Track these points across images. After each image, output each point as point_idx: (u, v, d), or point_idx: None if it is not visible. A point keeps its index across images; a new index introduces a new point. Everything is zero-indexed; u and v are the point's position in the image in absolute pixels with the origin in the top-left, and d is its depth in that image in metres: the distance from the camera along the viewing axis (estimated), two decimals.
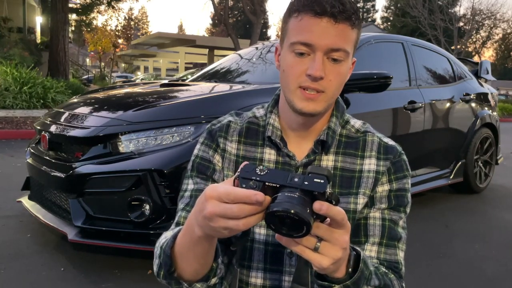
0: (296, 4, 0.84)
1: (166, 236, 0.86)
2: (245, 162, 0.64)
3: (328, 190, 0.59)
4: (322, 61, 0.82)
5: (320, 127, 0.92)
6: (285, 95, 0.89)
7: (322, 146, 0.91)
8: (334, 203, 0.60)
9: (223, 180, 0.94)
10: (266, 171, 0.61)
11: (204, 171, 0.95)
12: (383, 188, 0.92)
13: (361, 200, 0.90)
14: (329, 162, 0.92)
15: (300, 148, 0.93)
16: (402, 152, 0.95)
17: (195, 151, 0.98)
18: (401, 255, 0.91)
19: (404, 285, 0.91)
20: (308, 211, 0.57)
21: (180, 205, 0.96)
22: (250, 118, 0.98)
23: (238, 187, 0.61)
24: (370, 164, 0.92)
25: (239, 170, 0.63)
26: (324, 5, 0.80)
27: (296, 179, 0.59)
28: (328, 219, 0.62)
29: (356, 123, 0.97)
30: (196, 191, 0.94)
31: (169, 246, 0.77)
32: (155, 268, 0.84)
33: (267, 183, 0.60)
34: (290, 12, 0.85)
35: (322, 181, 0.59)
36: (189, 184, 0.96)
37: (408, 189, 0.94)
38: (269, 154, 0.94)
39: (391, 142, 0.95)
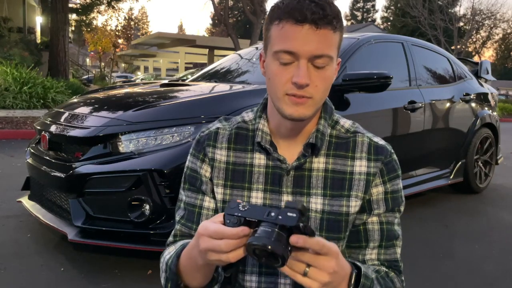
0: (276, 12, 0.83)
1: (169, 251, 0.91)
2: (232, 200, 0.73)
3: (301, 224, 0.66)
4: (306, 68, 0.81)
5: (309, 130, 0.92)
6: (273, 102, 0.89)
7: (312, 149, 0.92)
8: (308, 235, 0.66)
9: (211, 190, 0.97)
10: (247, 207, 0.70)
11: (194, 183, 0.98)
12: (377, 190, 0.93)
13: (354, 203, 0.92)
14: (320, 164, 0.92)
15: (290, 151, 0.93)
16: (392, 151, 0.96)
17: (186, 162, 1.01)
18: (398, 251, 0.95)
19: (403, 279, 0.95)
20: (283, 245, 0.65)
21: (177, 217, 1.01)
22: (239, 123, 0.99)
23: (224, 222, 0.71)
24: (361, 166, 0.92)
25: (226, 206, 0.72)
26: (304, 12, 0.79)
27: (272, 214, 0.67)
28: None
29: (346, 123, 0.97)
30: (188, 204, 0.98)
31: (174, 264, 0.85)
32: (162, 281, 0.90)
33: (247, 218, 0.69)
34: (271, 20, 0.85)
35: (294, 215, 0.66)
36: (182, 196, 1.00)
37: (401, 188, 0.96)
38: (259, 159, 0.94)
39: (381, 141, 0.96)
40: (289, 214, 0.66)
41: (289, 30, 0.81)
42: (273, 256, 0.65)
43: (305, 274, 0.67)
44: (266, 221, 0.67)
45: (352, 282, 0.76)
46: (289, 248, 0.66)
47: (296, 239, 0.65)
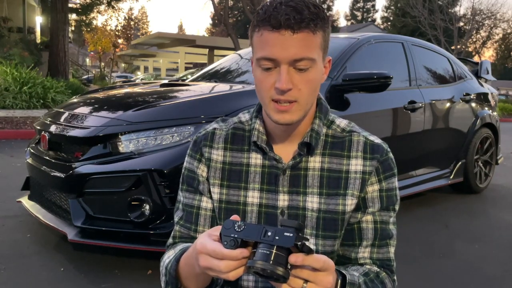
0: (256, 19, 0.85)
1: (169, 256, 0.92)
2: (229, 219, 0.71)
3: (299, 242, 0.66)
4: (287, 72, 0.82)
5: (304, 129, 0.93)
6: (262, 106, 0.91)
7: (307, 148, 0.93)
8: (306, 253, 0.66)
9: (209, 190, 0.97)
10: (243, 227, 0.69)
11: (192, 184, 0.99)
12: (373, 188, 0.93)
13: (350, 201, 0.92)
14: (316, 164, 0.93)
15: (286, 150, 0.94)
16: (389, 150, 0.96)
17: (184, 163, 1.02)
18: (392, 251, 0.96)
19: (395, 279, 0.96)
20: (282, 265, 0.65)
21: (175, 218, 1.01)
22: (235, 123, 1.00)
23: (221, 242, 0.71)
24: (356, 164, 0.93)
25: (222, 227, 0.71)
26: (278, 18, 0.80)
27: (269, 233, 0.67)
28: None
29: (342, 122, 0.98)
30: (186, 205, 0.99)
31: (173, 268, 0.86)
32: (162, 285, 0.91)
33: (244, 239, 0.69)
34: (253, 28, 0.87)
35: (291, 234, 0.65)
36: (181, 197, 1.01)
37: (396, 187, 0.96)
38: (256, 159, 0.95)
39: (377, 140, 0.96)
40: (285, 234, 0.66)
41: (267, 37, 0.82)
42: (272, 277, 0.66)
43: None
44: (263, 242, 0.67)
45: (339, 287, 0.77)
46: (289, 267, 0.66)
47: (294, 258, 0.66)
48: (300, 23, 0.80)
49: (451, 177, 4.13)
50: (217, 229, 0.73)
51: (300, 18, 0.80)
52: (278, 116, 0.86)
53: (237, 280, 0.93)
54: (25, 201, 2.90)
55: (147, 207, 2.24)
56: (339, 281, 0.78)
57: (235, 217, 0.72)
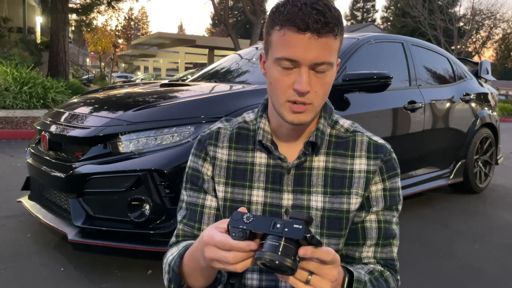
0: (278, 17, 0.83)
1: (172, 253, 0.92)
2: (237, 210, 0.71)
3: (308, 234, 0.65)
4: (307, 75, 0.82)
5: (310, 129, 0.94)
6: (274, 106, 0.90)
7: (312, 148, 0.93)
8: (315, 246, 0.66)
9: (213, 189, 0.97)
10: (252, 218, 0.69)
11: (196, 182, 0.99)
12: (376, 187, 0.94)
13: (354, 200, 0.93)
14: (320, 163, 0.94)
15: (290, 150, 0.95)
16: (392, 150, 0.97)
17: (188, 162, 1.01)
18: (395, 250, 0.96)
19: (399, 278, 0.96)
20: (291, 257, 0.65)
21: (179, 217, 1.01)
22: (240, 123, 1.00)
23: (228, 233, 0.70)
24: (360, 164, 0.93)
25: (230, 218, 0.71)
26: (306, 20, 0.79)
27: (278, 225, 0.66)
28: None
29: (345, 123, 0.99)
30: (190, 204, 0.99)
31: (177, 265, 0.85)
32: (165, 282, 0.91)
33: (253, 231, 0.68)
34: (273, 24, 0.85)
35: (300, 226, 0.65)
36: (184, 196, 1.01)
37: (399, 187, 0.97)
38: (260, 158, 0.95)
39: (380, 140, 0.97)
40: (295, 226, 0.65)
41: (291, 38, 0.81)
42: (281, 269, 0.65)
43: (307, 282, 0.68)
44: (272, 234, 0.66)
45: (345, 287, 0.77)
46: (297, 259, 0.66)
47: (304, 251, 0.65)
48: (325, 27, 0.80)
49: (451, 177, 4.13)
50: (224, 222, 0.73)
51: (326, 22, 0.80)
52: (293, 116, 0.86)
53: (241, 278, 0.93)
54: (25, 201, 2.90)
55: (147, 207, 2.24)
56: (347, 278, 0.78)
57: (243, 209, 0.72)
